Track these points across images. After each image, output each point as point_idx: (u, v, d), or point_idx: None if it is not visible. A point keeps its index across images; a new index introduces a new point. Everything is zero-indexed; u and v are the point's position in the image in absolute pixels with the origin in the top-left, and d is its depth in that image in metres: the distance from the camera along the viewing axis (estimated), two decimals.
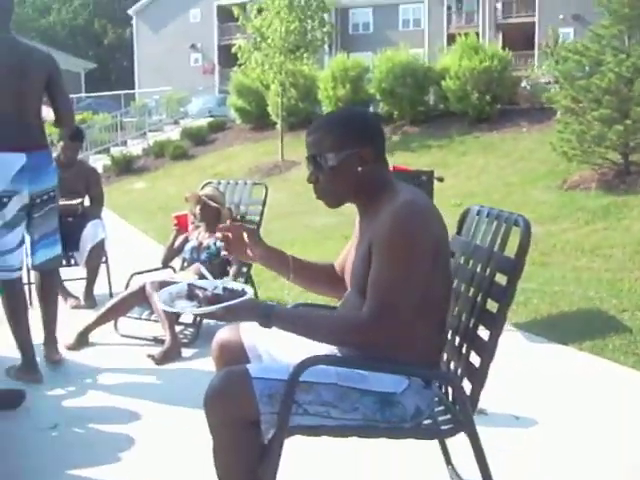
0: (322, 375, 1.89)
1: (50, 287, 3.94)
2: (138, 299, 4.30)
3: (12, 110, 3.48)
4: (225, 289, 1.97)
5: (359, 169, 1.97)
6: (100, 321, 4.33)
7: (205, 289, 1.97)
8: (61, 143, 5.45)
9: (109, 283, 5.59)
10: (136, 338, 4.38)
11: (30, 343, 3.66)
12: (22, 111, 3.53)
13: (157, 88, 28.69)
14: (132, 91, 30.38)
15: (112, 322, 4.42)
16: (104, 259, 5.57)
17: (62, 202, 5.28)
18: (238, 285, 2.04)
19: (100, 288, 5.50)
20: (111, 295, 5.39)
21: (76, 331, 4.26)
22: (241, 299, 1.91)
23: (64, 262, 5.49)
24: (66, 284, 5.40)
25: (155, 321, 4.28)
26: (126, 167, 18.42)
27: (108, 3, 52.22)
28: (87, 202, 5.68)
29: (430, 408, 2.01)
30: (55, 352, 3.91)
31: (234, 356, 2.12)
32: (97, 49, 50.99)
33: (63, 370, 3.85)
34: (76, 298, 5.34)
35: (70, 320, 4.58)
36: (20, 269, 3.71)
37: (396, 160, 12.63)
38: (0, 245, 3.53)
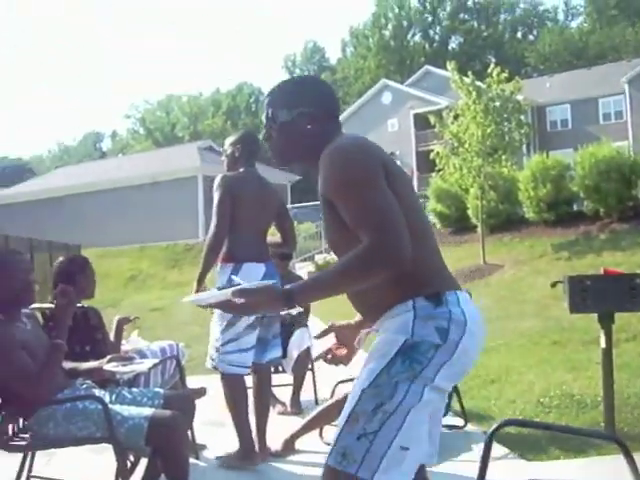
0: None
1: (266, 388, 4.40)
2: (343, 407, 4.32)
3: (255, 231, 4.18)
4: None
5: (308, 127, 2.11)
6: (307, 428, 4.41)
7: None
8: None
9: (315, 390, 5.70)
10: None
11: (249, 432, 4.10)
12: (261, 231, 4.25)
13: None
14: None
15: (318, 430, 4.47)
16: (310, 366, 5.72)
17: None
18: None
19: (306, 395, 5.62)
20: (317, 402, 5.49)
21: (283, 437, 4.37)
22: (257, 283, 1.98)
23: (272, 368, 5.73)
24: (273, 390, 5.58)
25: None
26: None
27: None
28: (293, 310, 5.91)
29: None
30: (264, 448, 4.22)
31: None
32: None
33: (267, 476, 3.94)
34: (283, 404, 5.49)
35: (276, 426, 4.72)
36: (250, 367, 4.20)
37: (605, 261, 12.01)
38: (243, 343, 4.08)
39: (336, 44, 66.91)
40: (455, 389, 4.60)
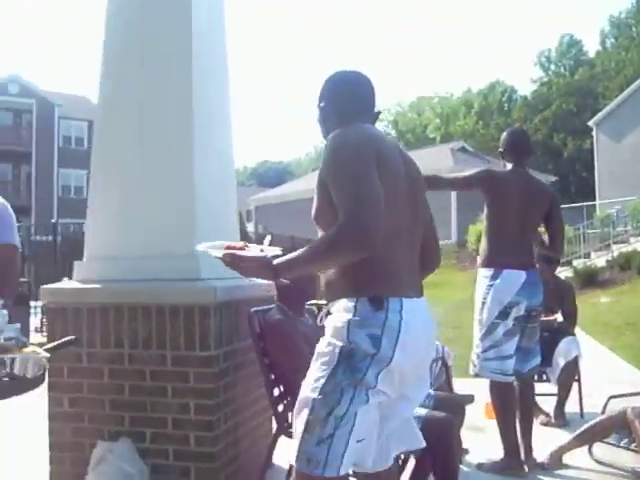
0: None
1: (529, 397, 4.31)
2: (617, 424, 4.07)
3: (518, 235, 4.04)
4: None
5: (331, 117, 2.35)
6: (575, 443, 4.20)
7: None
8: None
9: (580, 402, 5.41)
10: (612, 467, 4.12)
11: (516, 441, 4.05)
12: (524, 235, 4.09)
13: (620, 198, 27.80)
14: (593, 202, 29.92)
15: (587, 445, 4.25)
16: (576, 377, 5.44)
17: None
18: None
19: (570, 407, 5.36)
20: (582, 416, 5.21)
21: (546, 449, 4.21)
22: (252, 253, 2.10)
23: (535, 377, 5.53)
24: (537, 399, 5.39)
25: (635, 451, 3.99)
26: (589, 279, 17.99)
27: (567, 117, 53.10)
28: (559, 318, 5.67)
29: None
30: (530, 458, 4.13)
31: None
32: (556, 162, 51.82)
33: None
34: (547, 415, 5.28)
35: (539, 437, 4.55)
36: (512, 375, 4.09)
37: None
38: (503, 351, 4.03)
39: (594, 36, 63.23)
40: None
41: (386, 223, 2.00)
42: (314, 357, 2.15)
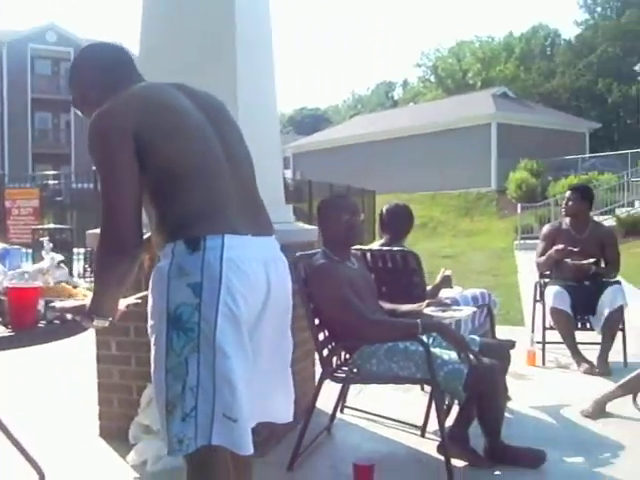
0: None
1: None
2: None
3: None
4: None
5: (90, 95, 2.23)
6: (619, 392, 4.16)
7: None
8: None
9: (624, 352, 5.36)
10: None
11: None
12: None
13: None
14: (638, 150, 29.21)
15: (631, 395, 4.22)
16: (621, 326, 5.38)
17: (575, 261, 5.33)
18: None
19: (614, 356, 5.31)
20: (626, 365, 5.17)
21: (592, 398, 4.19)
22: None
23: (579, 325, 5.49)
24: (580, 347, 5.35)
25: None
26: (633, 229, 17.72)
27: (613, 61, 51.56)
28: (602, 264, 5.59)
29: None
30: None
31: None
32: (601, 109, 50.56)
33: (580, 438, 3.81)
34: (590, 363, 5.24)
35: (582, 385, 4.53)
36: None
37: None
38: None
39: None
40: None
41: (191, 165, 1.96)
42: (150, 331, 2.01)
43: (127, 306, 2.29)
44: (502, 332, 5.31)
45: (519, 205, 20.98)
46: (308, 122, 73.19)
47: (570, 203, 5.54)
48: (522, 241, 18.40)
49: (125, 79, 2.15)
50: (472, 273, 12.53)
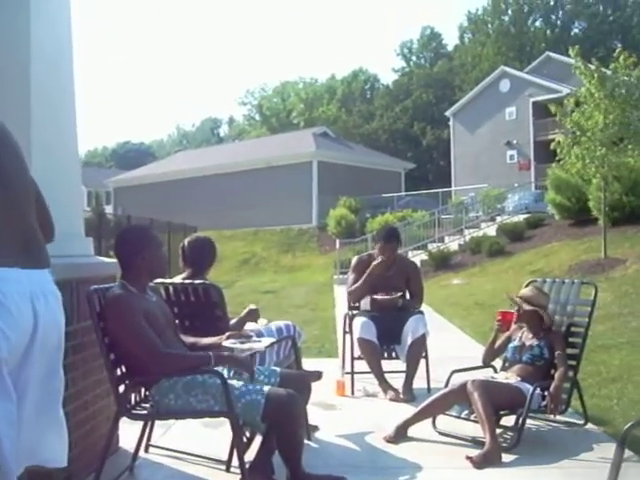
0: None
1: None
2: (458, 397, 4.25)
3: None
4: None
5: None
6: (419, 416, 4.34)
7: None
8: (378, 244, 5.76)
9: (428, 378, 5.61)
10: (454, 437, 4.30)
11: None
12: None
13: (473, 185, 29.18)
14: (449, 189, 31.23)
15: (431, 418, 4.41)
16: (424, 354, 5.63)
17: (381, 296, 5.56)
18: None
19: (419, 382, 5.54)
20: (429, 390, 5.40)
21: (395, 424, 4.32)
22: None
23: (385, 355, 5.69)
24: (386, 376, 5.53)
25: (475, 421, 4.17)
26: (442, 263, 18.76)
27: (426, 106, 54.97)
28: (407, 296, 5.85)
29: None
30: None
31: None
32: (416, 150, 53.60)
33: (381, 463, 3.91)
34: (395, 390, 5.43)
35: (388, 413, 4.67)
36: None
37: None
38: None
39: (453, 30, 65.97)
40: (576, 385, 4.42)
41: None
42: None
43: None
44: (314, 364, 5.41)
45: (338, 241, 21.59)
46: (132, 156, 71.61)
47: (388, 254, 5.72)
48: (341, 276, 18.88)
49: None
50: (291, 307, 12.68)
